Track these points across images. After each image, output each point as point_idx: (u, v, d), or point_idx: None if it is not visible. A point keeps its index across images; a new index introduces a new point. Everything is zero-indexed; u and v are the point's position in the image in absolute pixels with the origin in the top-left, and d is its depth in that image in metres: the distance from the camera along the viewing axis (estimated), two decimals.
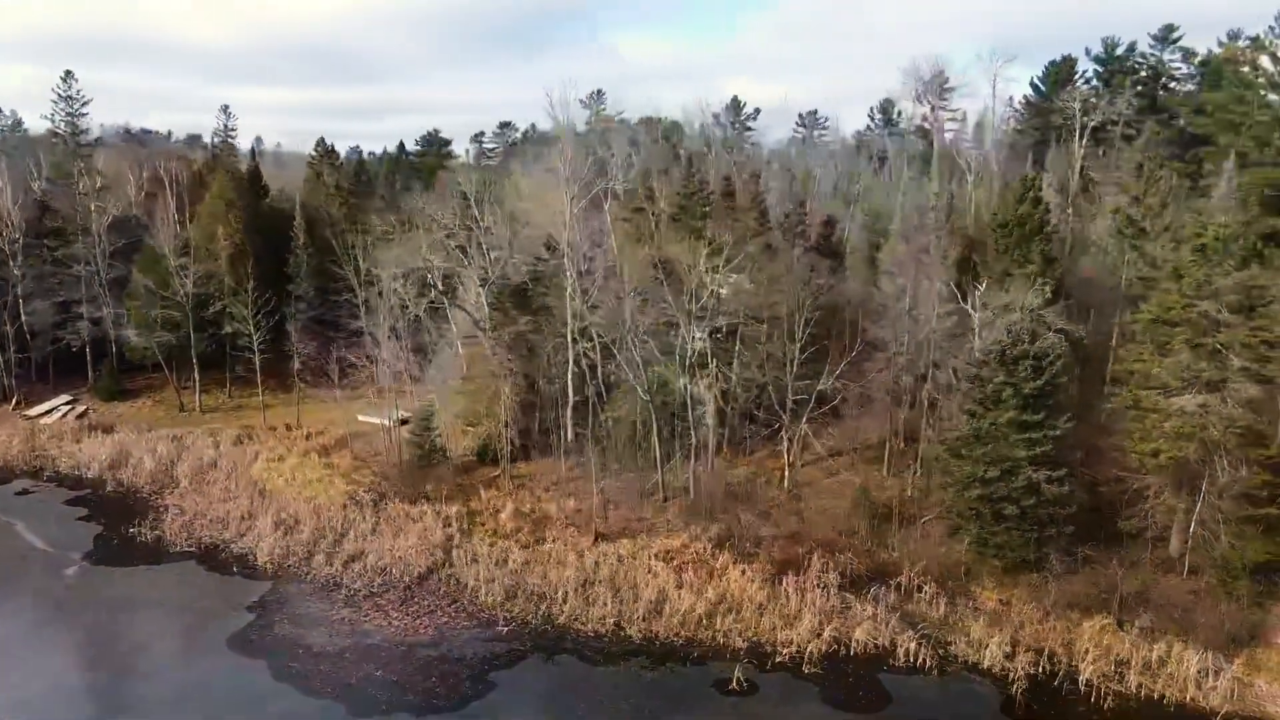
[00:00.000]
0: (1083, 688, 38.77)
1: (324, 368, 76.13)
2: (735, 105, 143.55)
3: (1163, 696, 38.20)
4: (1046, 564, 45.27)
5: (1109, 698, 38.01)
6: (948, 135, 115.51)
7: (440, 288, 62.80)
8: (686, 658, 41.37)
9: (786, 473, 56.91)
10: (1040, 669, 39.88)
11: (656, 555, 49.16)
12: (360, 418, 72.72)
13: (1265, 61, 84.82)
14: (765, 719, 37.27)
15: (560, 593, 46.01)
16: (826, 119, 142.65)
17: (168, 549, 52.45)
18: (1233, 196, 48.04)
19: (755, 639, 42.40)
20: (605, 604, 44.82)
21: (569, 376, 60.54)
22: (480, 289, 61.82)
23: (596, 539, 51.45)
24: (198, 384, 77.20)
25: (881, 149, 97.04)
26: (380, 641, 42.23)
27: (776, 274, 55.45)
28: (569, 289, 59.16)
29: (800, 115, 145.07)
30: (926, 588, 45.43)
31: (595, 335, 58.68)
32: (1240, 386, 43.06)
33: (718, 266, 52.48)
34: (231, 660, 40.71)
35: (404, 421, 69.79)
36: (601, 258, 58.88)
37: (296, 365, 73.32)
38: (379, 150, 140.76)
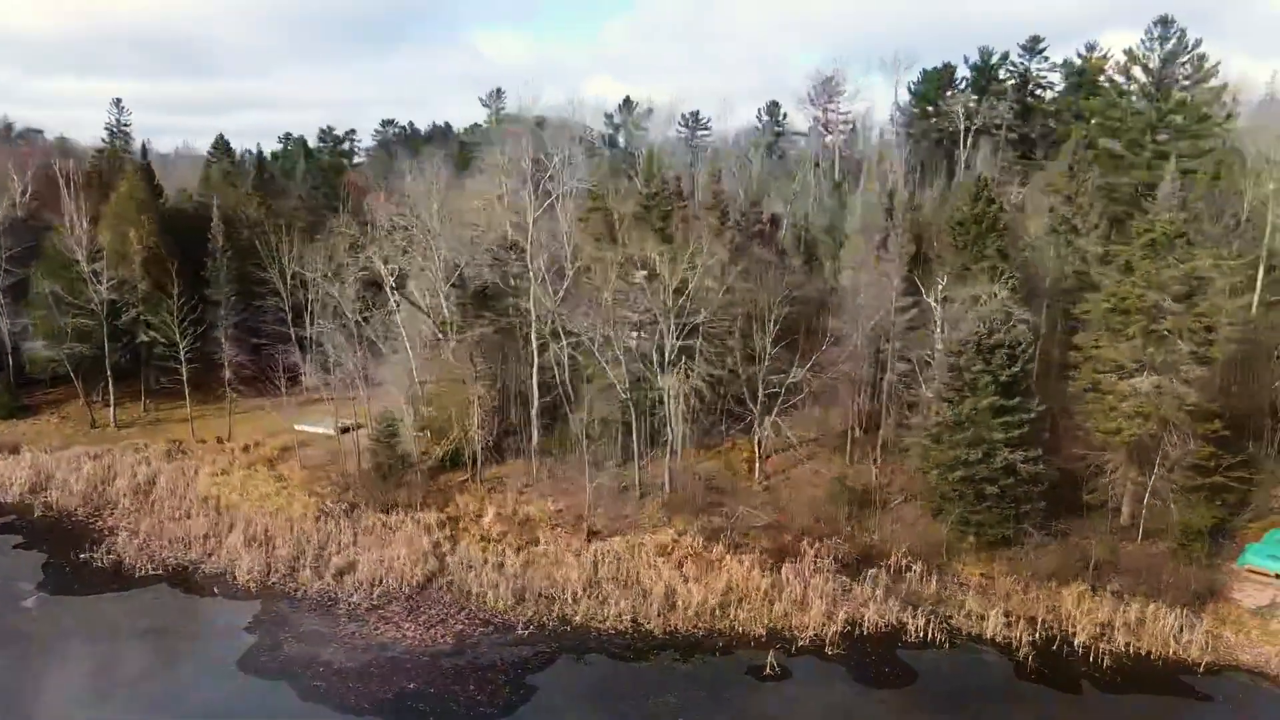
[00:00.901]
0: (1079, 650, 42.05)
1: (254, 376, 73.09)
2: (628, 105, 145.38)
3: (1149, 653, 41.84)
4: (1024, 538, 48.57)
5: (1104, 657, 41.38)
6: (831, 138, 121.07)
7: (400, 291, 61.16)
8: (712, 649, 42.33)
9: (757, 464, 58.60)
10: (1037, 635, 42.94)
11: (653, 551, 49.91)
12: (297, 427, 70.09)
13: (1138, 72, 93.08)
14: (807, 701, 38.76)
15: (569, 593, 46.13)
16: (709, 119, 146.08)
17: (131, 573, 49.28)
18: (1176, 195, 52.86)
19: (772, 626, 43.77)
20: (618, 602, 45.21)
21: (533, 378, 60.23)
22: (440, 291, 60.59)
23: (589, 538, 51.73)
24: (113, 398, 72.34)
25: (817, 152, 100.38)
26: (401, 654, 41.25)
27: (747, 271, 57.06)
28: (533, 289, 58.96)
29: (683, 115, 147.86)
30: (915, 567, 47.95)
31: (563, 333, 58.73)
32: (1188, 368, 47.56)
33: (696, 266, 53.56)
34: (249, 683, 38.92)
35: (347, 429, 67.89)
36: (567, 258, 58.84)
37: (228, 374, 69.77)
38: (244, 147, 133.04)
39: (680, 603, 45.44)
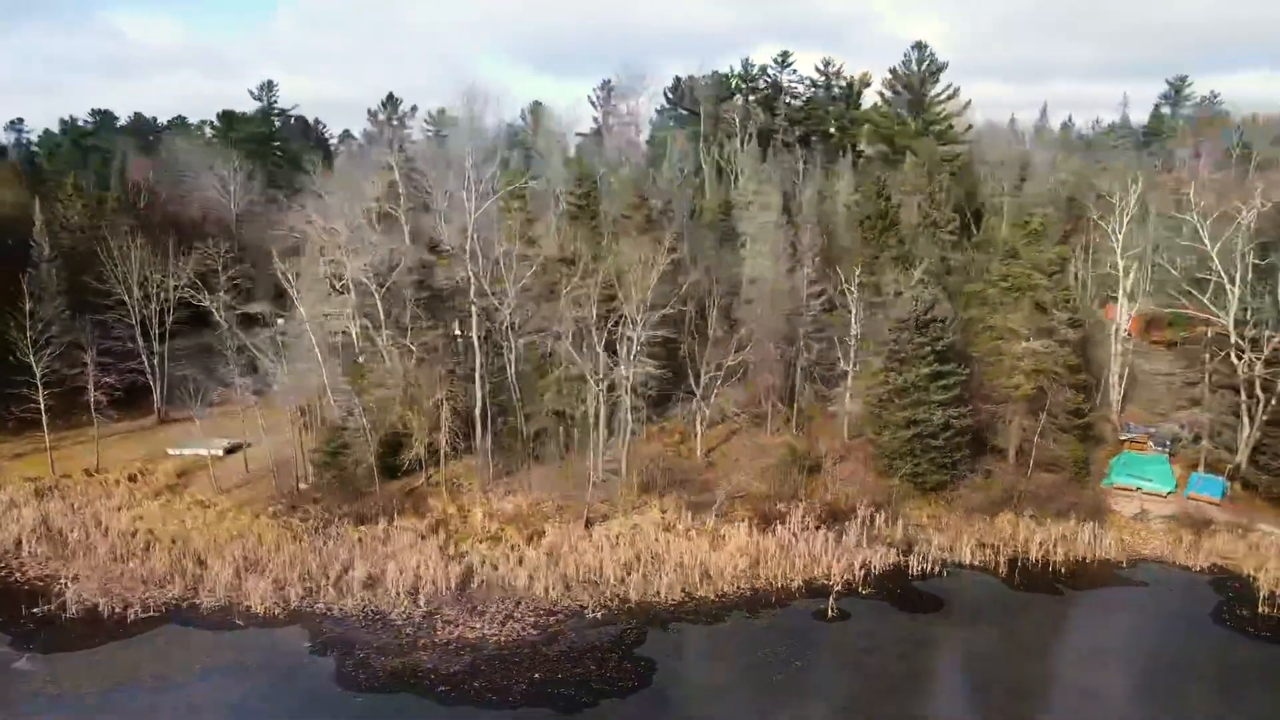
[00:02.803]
0: (1038, 563, 51.53)
1: (117, 399, 65.40)
2: (392, 101, 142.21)
3: (1083, 558, 52.29)
4: (957, 482, 57.71)
5: (1060, 566, 51.19)
6: (619, 137, 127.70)
7: (337, 293, 58.40)
8: (767, 604, 46.73)
9: (699, 442, 63.29)
10: (1001, 557, 51.90)
11: (659, 529, 53.07)
12: (172, 451, 64.13)
13: (900, 89, 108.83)
14: (878, 631, 44.44)
15: (610, 576, 48.18)
16: (456, 118, 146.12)
17: (121, 619, 44.03)
18: (1045, 192, 64.58)
19: (806, 579, 48.94)
20: (661, 577, 48.04)
21: (477, 375, 60.24)
22: (376, 295, 58.76)
23: (588, 525, 53.67)
24: None
25: (617, 151, 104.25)
26: (497, 650, 41.46)
27: (695, 265, 61.56)
28: (473, 286, 59.11)
29: (429, 114, 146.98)
30: (879, 516, 55.35)
31: (513, 334, 59.64)
32: (1065, 331, 59.20)
33: (655, 263, 57.09)
34: (370, 700, 37.66)
35: (234, 449, 63.51)
36: (514, 256, 59.43)
37: (96, 398, 61.86)
38: None
39: (713, 570, 49.24)
